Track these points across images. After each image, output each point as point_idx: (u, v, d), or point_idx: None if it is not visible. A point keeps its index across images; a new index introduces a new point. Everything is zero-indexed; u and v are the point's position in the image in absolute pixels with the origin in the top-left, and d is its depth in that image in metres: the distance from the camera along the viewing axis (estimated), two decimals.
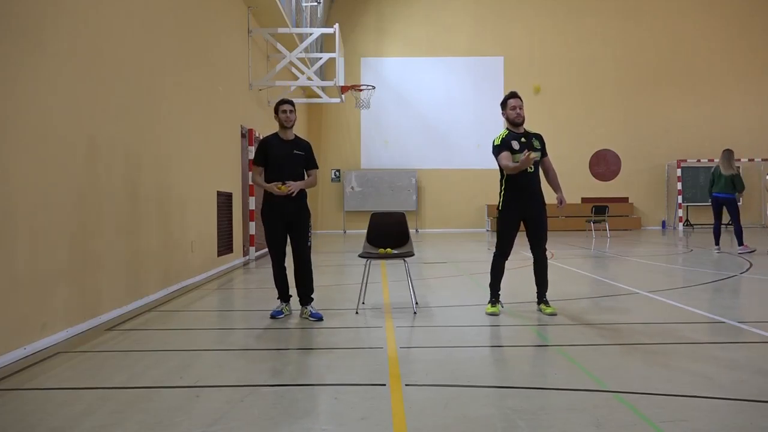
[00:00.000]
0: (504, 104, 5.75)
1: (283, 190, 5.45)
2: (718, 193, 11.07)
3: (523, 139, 5.67)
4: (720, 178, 11.02)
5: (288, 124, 5.70)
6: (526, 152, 5.37)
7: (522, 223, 5.74)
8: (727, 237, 14.33)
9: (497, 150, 5.69)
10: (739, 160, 20.17)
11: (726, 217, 11.83)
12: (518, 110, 5.66)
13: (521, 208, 5.65)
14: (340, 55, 13.77)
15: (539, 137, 5.79)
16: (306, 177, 5.77)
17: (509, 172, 5.60)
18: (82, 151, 5.20)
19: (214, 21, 9.68)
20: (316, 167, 5.86)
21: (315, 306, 5.74)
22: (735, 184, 10.94)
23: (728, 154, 11.10)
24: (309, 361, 4.34)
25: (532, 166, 5.58)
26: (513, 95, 5.74)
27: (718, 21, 21.58)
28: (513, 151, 5.61)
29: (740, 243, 11.03)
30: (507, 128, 5.80)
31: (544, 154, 5.76)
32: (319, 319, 5.48)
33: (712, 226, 11.78)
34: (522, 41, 21.51)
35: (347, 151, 21.70)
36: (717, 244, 11.51)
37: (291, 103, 5.80)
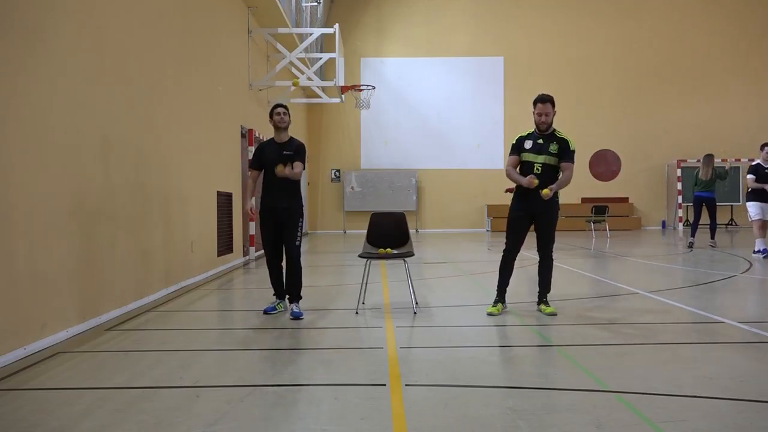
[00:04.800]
0: (534, 105, 5.59)
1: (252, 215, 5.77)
2: (699, 192, 12.25)
3: (540, 141, 5.56)
4: (701, 180, 12.24)
5: (282, 125, 5.82)
6: (530, 177, 5.42)
7: (533, 223, 5.73)
8: (721, 235, 14.35)
9: (511, 150, 5.71)
10: (739, 160, 20.30)
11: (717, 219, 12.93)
12: (544, 117, 5.50)
13: (529, 207, 5.63)
14: (340, 55, 13.76)
15: (562, 142, 5.55)
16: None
17: (508, 176, 5.67)
18: (83, 151, 5.20)
19: (214, 21, 9.68)
20: (301, 161, 5.76)
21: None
22: (719, 178, 12.18)
23: (708, 159, 12.22)
24: (309, 361, 4.34)
25: (540, 168, 5.54)
26: (542, 99, 5.55)
27: (719, 21, 21.57)
28: (523, 150, 5.60)
29: (712, 237, 12.53)
30: (534, 128, 5.67)
31: (563, 159, 5.53)
32: (297, 317, 5.52)
33: (703, 224, 12.90)
34: (522, 41, 21.51)
35: (347, 151, 21.69)
36: (693, 236, 12.61)
37: (284, 106, 5.96)
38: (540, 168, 5.54)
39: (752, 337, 4.73)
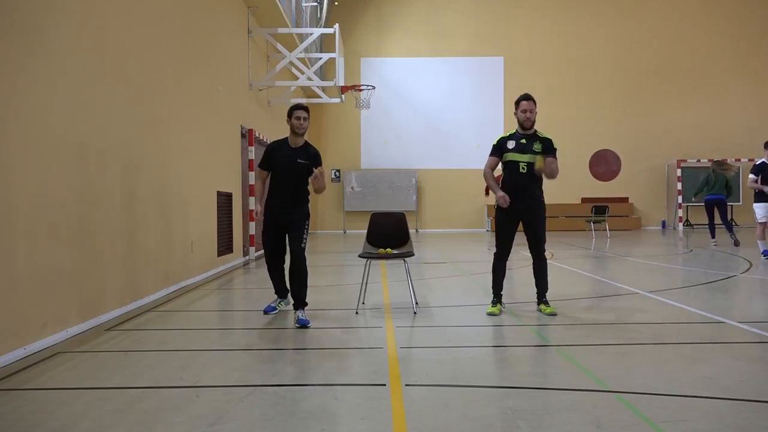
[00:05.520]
0: (516, 104, 5.68)
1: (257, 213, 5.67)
2: (712, 195, 12.44)
3: (523, 141, 5.61)
4: (715, 183, 12.41)
5: (300, 131, 5.55)
6: (506, 197, 5.52)
7: (521, 223, 5.73)
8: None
9: (491, 150, 5.74)
10: (739, 160, 20.29)
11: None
12: (528, 113, 5.57)
13: (516, 208, 5.63)
14: (340, 55, 13.76)
15: (545, 141, 5.61)
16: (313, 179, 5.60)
17: (485, 178, 5.81)
18: (83, 151, 5.19)
19: (214, 21, 9.68)
20: (321, 164, 5.65)
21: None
22: (729, 189, 12.49)
23: (723, 163, 12.73)
24: (309, 360, 4.34)
25: (525, 167, 5.56)
26: (526, 97, 5.64)
27: (719, 21, 21.58)
28: (506, 150, 5.62)
29: (732, 234, 12.66)
30: (516, 128, 5.74)
31: (548, 155, 5.54)
32: (304, 325, 5.18)
33: (707, 225, 13.31)
34: (522, 41, 21.50)
35: (347, 151, 21.69)
36: (713, 237, 12.91)
37: (306, 109, 5.61)
38: (525, 167, 5.57)
39: (752, 337, 4.73)
